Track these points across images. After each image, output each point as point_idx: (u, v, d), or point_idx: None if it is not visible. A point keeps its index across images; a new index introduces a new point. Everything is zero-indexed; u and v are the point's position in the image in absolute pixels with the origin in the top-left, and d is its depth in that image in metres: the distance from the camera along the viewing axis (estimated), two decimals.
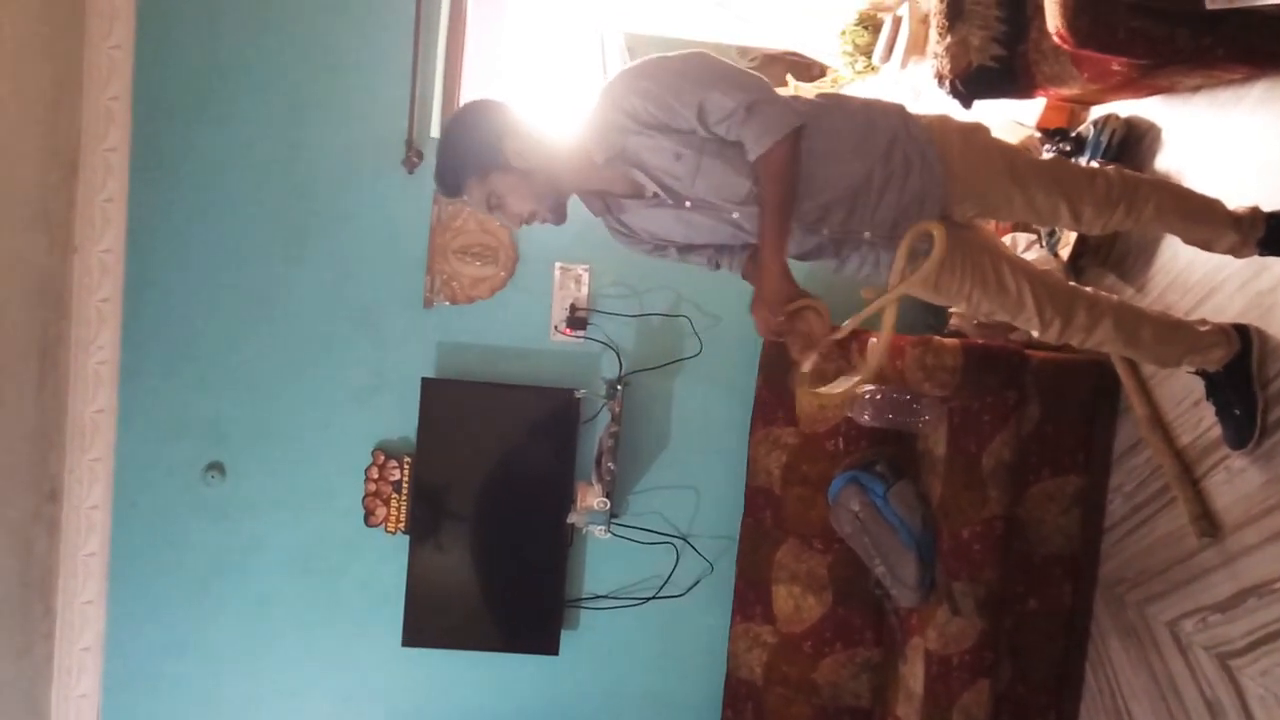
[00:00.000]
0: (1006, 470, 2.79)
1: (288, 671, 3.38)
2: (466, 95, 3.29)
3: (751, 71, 1.99)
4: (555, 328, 3.33)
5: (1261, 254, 2.18)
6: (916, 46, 3.29)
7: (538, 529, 3.29)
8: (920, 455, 2.93)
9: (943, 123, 2.06)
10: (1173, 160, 2.58)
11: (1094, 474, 2.86)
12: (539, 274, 3.33)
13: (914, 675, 2.86)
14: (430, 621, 3.30)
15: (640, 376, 3.33)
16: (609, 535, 3.27)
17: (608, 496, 3.15)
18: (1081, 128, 2.81)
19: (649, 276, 3.30)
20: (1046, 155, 2.77)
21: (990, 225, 2.68)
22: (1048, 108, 2.87)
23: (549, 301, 3.33)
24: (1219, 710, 2.34)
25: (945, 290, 2.11)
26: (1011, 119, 2.94)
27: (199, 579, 3.35)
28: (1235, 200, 2.19)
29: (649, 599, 3.36)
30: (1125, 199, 2.12)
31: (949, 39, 2.62)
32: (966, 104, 2.66)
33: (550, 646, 3.32)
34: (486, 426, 3.30)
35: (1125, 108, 2.73)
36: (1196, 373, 2.29)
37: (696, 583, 3.35)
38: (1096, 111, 2.81)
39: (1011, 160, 2.10)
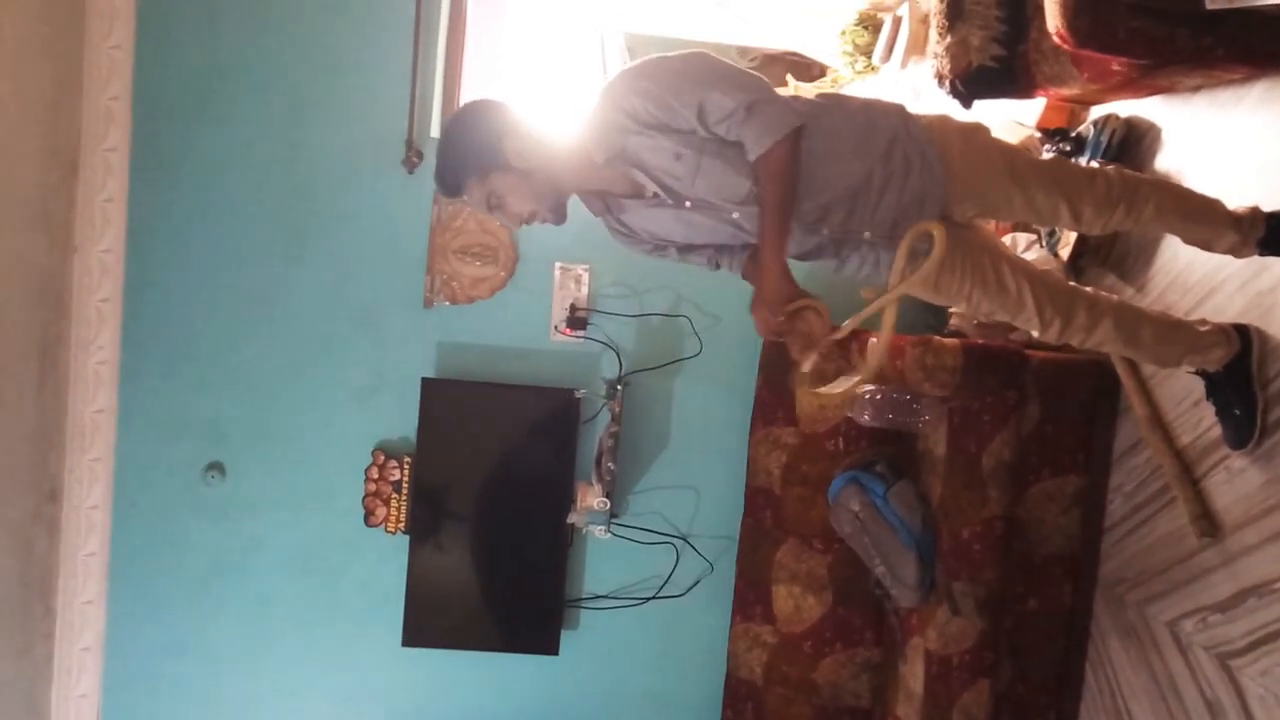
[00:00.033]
0: (1006, 470, 2.79)
1: (288, 671, 3.38)
2: (466, 95, 3.29)
3: (752, 71, 1.99)
4: (555, 328, 3.33)
5: (1261, 254, 2.18)
6: (916, 46, 3.29)
7: (538, 529, 3.29)
8: (920, 455, 2.93)
9: (943, 123, 2.06)
10: (1173, 160, 2.58)
11: (1094, 474, 2.86)
12: (539, 274, 3.33)
13: (914, 675, 2.86)
14: (430, 621, 3.30)
15: (640, 376, 3.33)
16: (609, 535, 3.27)
17: (608, 496, 3.15)
18: (1081, 128, 2.81)
19: (649, 276, 3.30)
20: (1046, 155, 2.77)
21: (990, 225, 2.68)
22: (1048, 108, 2.87)
23: (549, 301, 3.33)
24: (1219, 710, 2.34)
25: (945, 290, 2.11)
26: (1011, 119, 2.94)
27: (199, 579, 3.35)
28: (1235, 200, 2.19)
29: (649, 599, 3.36)
30: (1125, 199, 2.12)
31: (949, 39, 2.62)
32: (966, 104, 2.65)
33: (550, 647, 3.32)
34: (486, 426, 3.30)
35: (1125, 108, 2.73)
36: (1196, 373, 2.29)
37: (696, 583, 3.35)
38: (1096, 111, 2.81)
39: (1011, 160, 2.10)
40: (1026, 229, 2.94)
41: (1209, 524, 2.37)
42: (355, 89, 3.26)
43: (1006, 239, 2.92)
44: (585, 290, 3.32)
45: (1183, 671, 2.48)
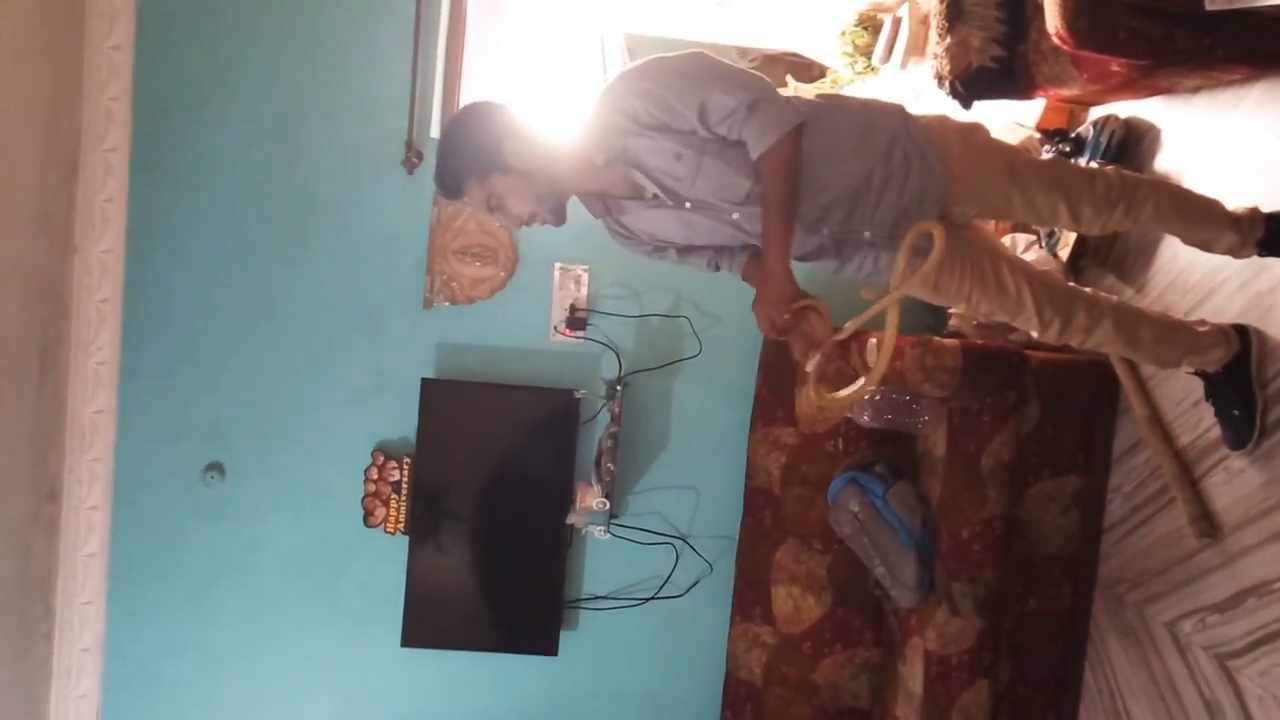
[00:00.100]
0: (1006, 470, 2.79)
1: (288, 672, 3.38)
2: (466, 95, 3.29)
3: (751, 71, 2.00)
4: (555, 328, 3.33)
5: (1261, 254, 2.18)
6: (916, 47, 3.29)
7: (537, 529, 3.29)
8: (920, 456, 2.93)
9: (942, 123, 2.06)
10: (1172, 161, 2.58)
11: (1093, 474, 2.86)
12: (539, 274, 3.34)
13: (913, 675, 2.86)
14: (430, 622, 3.30)
15: (640, 377, 3.33)
16: (608, 535, 3.27)
17: (607, 497, 3.15)
18: (1081, 128, 2.81)
19: (649, 277, 3.30)
20: (1046, 156, 2.77)
21: (990, 226, 2.68)
22: (1047, 108, 2.88)
23: (549, 302, 3.33)
24: (1218, 710, 2.34)
25: (945, 290, 2.11)
26: (1011, 119, 2.94)
27: (199, 580, 3.34)
28: (1235, 201, 2.20)
29: (648, 599, 3.36)
30: (1124, 199, 2.12)
31: (949, 40, 2.62)
32: (966, 105, 2.66)
33: (550, 647, 3.32)
34: (486, 427, 3.30)
35: (1125, 108, 2.74)
36: (1196, 373, 2.29)
37: (696, 583, 3.35)
38: (1096, 112, 2.82)
39: (1011, 160, 2.10)
40: (1026, 229, 2.94)
41: (1208, 524, 2.37)
42: (355, 89, 3.26)
43: (1006, 239, 2.92)
44: (585, 291, 3.33)
45: (1181, 672, 2.48)
